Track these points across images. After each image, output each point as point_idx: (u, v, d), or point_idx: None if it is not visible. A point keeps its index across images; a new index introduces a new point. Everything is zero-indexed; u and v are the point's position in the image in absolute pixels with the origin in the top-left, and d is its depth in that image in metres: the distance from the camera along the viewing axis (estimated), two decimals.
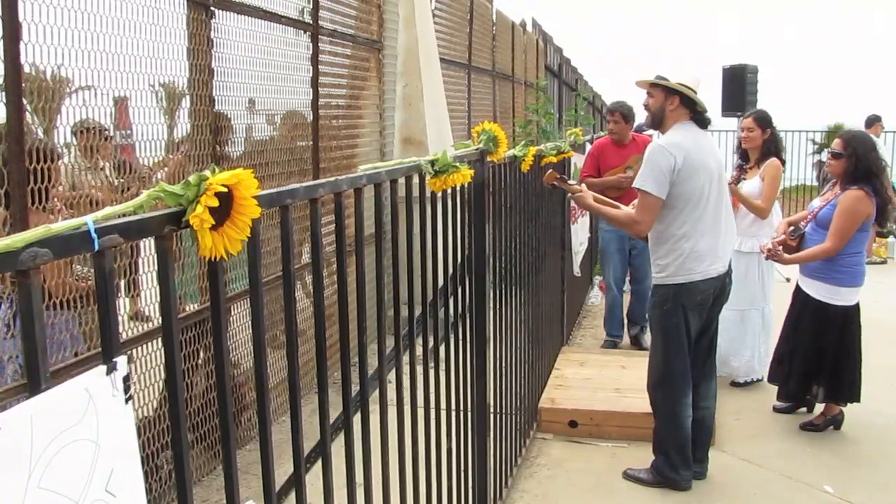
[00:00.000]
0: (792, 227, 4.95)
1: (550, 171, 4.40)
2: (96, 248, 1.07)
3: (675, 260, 3.95)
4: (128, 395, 1.12)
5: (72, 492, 1.00)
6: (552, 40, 14.11)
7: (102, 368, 1.09)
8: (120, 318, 3.96)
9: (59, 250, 1.02)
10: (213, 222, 1.23)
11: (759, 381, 5.62)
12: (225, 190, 1.24)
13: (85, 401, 1.04)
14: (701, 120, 4.01)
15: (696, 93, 3.94)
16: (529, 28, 12.76)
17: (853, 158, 4.57)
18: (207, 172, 1.25)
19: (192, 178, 1.23)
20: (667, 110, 3.98)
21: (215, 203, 1.22)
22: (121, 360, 1.12)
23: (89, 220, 1.06)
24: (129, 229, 1.15)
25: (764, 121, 5.47)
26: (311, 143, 5.49)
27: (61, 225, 1.02)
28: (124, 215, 1.17)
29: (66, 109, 3.41)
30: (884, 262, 10.77)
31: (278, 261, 2.44)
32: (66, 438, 1.00)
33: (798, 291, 4.90)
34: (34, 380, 1.00)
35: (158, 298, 1.28)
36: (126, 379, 1.12)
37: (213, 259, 1.31)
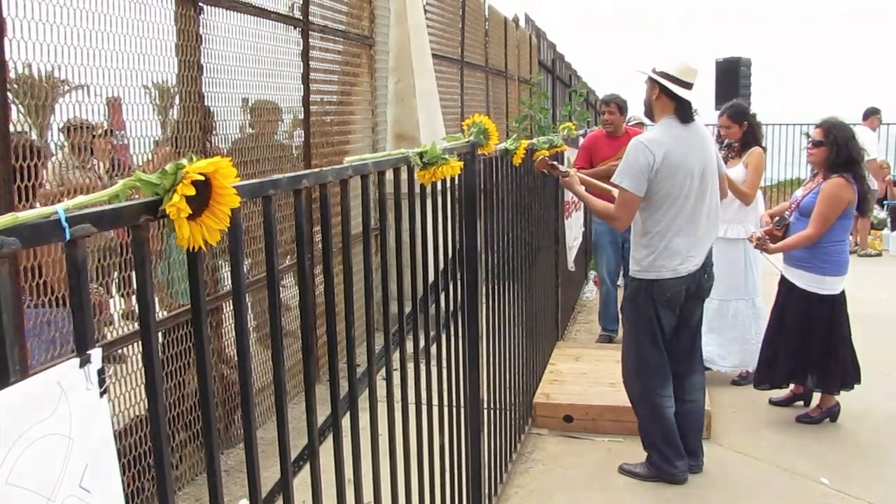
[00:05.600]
0: (777, 217, 4.95)
1: (542, 157, 4.40)
2: (67, 237, 1.04)
3: (648, 256, 3.94)
4: (103, 388, 1.09)
5: (43, 488, 0.98)
6: (545, 36, 14.09)
7: (76, 361, 1.06)
8: (114, 316, 3.97)
9: (27, 239, 0.99)
10: (191, 212, 1.20)
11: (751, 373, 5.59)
12: (202, 178, 1.21)
13: (57, 394, 1.01)
14: (683, 114, 3.92)
15: (683, 83, 3.89)
16: (522, 24, 12.73)
17: (834, 146, 4.62)
18: (184, 161, 1.22)
19: (168, 167, 1.21)
20: (652, 101, 3.97)
21: (192, 192, 1.19)
22: (95, 353, 1.09)
23: (60, 208, 1.03)
24: (103, 219, 1.12)
25: (737, 116, 5.47)
26: (303, 139, 5.46)
27: (30, 213, 1.00)
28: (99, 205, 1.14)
29: (46, 106, 3.37)
30: (879, 255, 10.76)
31: None
32: (37, 433, 0.97)
33: (783, 282, 4.90)
34: (2, 372, 0.97)
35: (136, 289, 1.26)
36: (101, 372, 1.10)
37: (192, 250, 1.28)
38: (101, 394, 1.10)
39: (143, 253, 1.23)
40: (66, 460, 1.02)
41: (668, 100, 3.92)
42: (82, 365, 1.07)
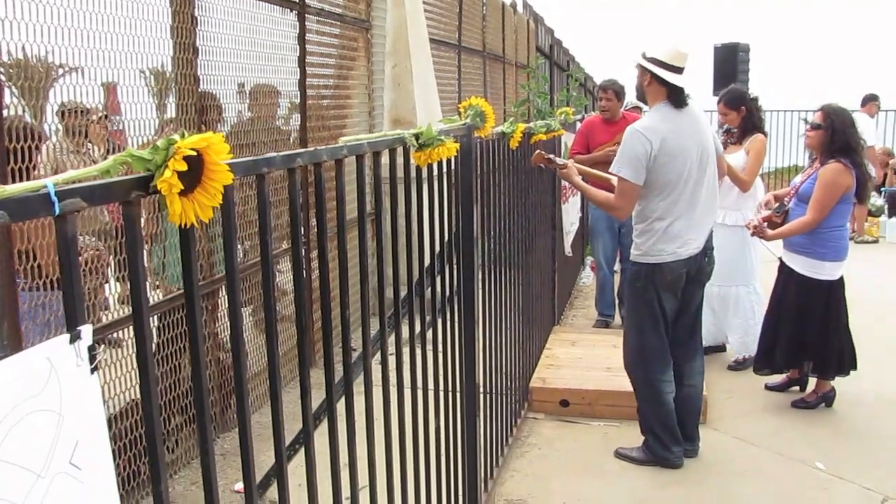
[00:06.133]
0: (777, 204, 4.94)
1: (538, 151, 4.38)
2: (57, 211, 1.02)
3: (648, 240, 3.93)
4: (93, 364, 1.08)
5: (33, 464, 0.97)
6: (543, 21, 14.02)
7: (65, 337, 1.05)
8: (110, 300, 3.95)
9: (16, 213, 0.97)
10: (182, 187, 1.19)
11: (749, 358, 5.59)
12: (194, 153, 1.20)
13: (46, 370, 1.00)
14: (676, 99, 3.87)
15: (674, 68, 3.84)
16: (520, 8, 12.67)
17: (830, 131, 4.60)
18: (176, 136, 1.20)
19: (160, 142, 1.19)
20: (644, 87, 3.94)
21: (184, 167, 1.18)
22: (85, 329, 1.08)
23: (49, 182, 1.01)
24: (93, 193, 1.10)
25: (734, 102, 5.44)
26: (299, 123, 5.43)
27: (18, 186, 0.98)
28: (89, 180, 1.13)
29: (41, 88, 3.35)
30: (875, 241, 10.76)
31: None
32: (26, 409, 0.96)
33: (782, 267, 4.89)
34: None
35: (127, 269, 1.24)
36: (92, 349, 1.08)
37: (184, 227, 1.26)
38: (92, 370, 1.08)
39: (135, 230, 1.22)
40: (56, 437, 1.01)
41: (660, 86, 3.88)
42: (72, 341, 1.06)
